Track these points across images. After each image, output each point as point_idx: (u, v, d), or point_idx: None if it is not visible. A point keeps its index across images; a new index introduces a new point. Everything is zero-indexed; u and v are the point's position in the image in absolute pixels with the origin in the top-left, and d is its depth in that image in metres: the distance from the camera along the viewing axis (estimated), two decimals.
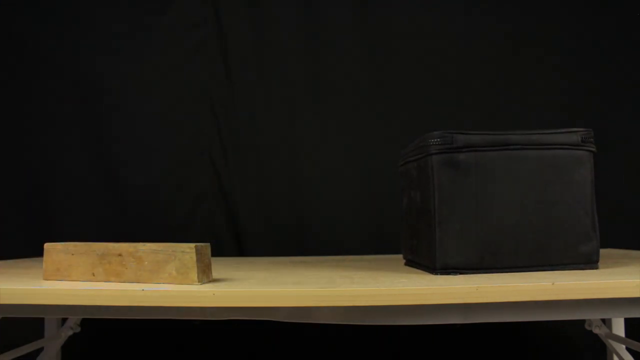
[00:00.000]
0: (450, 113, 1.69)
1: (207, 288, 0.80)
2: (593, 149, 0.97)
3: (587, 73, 1.68)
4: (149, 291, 0.79)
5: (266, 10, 1.71)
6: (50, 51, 1.71)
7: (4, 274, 1.02)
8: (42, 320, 1.47)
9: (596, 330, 1.38)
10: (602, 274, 0.89)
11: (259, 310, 0.85)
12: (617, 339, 1.31)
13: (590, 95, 1.68)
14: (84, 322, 1.57)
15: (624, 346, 1.32)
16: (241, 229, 1.68)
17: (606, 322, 1.41)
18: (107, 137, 1.70)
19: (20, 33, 1.72)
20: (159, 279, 0.87)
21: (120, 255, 0.90)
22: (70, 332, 1.41)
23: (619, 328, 1.38)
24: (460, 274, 0.93)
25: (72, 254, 0.93)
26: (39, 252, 1.57)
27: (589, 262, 0.95)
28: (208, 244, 0.91)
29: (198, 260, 0.86)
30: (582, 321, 1.45)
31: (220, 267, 1.18)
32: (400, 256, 1.43)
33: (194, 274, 0.85)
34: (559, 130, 0.96)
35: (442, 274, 0.93)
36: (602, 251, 1.44)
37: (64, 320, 1.51)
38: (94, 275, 0.91)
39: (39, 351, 1.38)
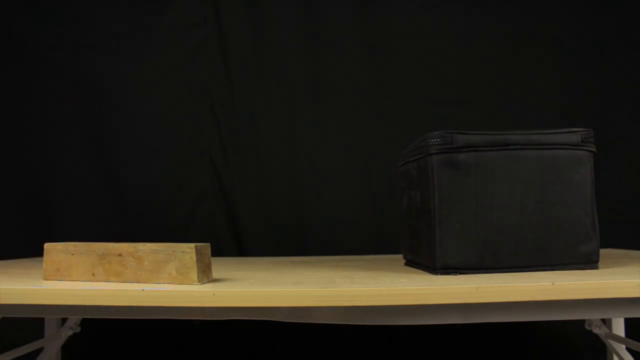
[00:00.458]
0: (450, 113, 1.69)
1: (207, 288, 0.80)
2: (593, 149, 0.97)
3: (587, 73, 1.68)
4: (149, 291, 0.79)
5: (266, 10, 1.71)
6: (50, 51, 1.71)
7: (4, 274, 1.02)
8: (42, 320, 1.47)
9: (596, 330, 1.38)
10: (602, 274, 0.89)
11: (259, 310, 0.85)
12: (617, 339, 1.31)
13: (590, 95, 1.68)
14: (84, 322, 1.57)
15: (624, 346, 1.32)
16: (241, 229, 1.68)
17: (606, 322, 1.41)
18: (107, 137, 1.70)
19: (20, 33, 1.72)
20: (159, 279, 0.87)
21: (120, 255, 0.90)
22: (70, 332, 1.41)
23: (619, 328, 1.38)
24: (460, 274, 0.93)
25: (72, 254, 0.93)
26: (39, 252, 1.57)
27: (589, 262, 0.95)
28: (208, 244, 0.91)
29: (198, 260, 0.86)
30: (582, 321, 1.45)
31: (220, 267, 1.18)
32: (400, 256, 1.43)
33: (194, 274, 0.85)
34: (559, 131, 0.96)
35: (442, 274, 0.93)
36: (602, 251, 1.44)
37: (64, 320, 1.51)
38: (94, 275, 0.91)
39: (39, 351, 1.38)
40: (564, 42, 1.69)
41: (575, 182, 0.95)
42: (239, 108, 1.71)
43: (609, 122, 1.66)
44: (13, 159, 1.70)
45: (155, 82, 1.71)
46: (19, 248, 1.64)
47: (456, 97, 1.70)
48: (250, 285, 0.82)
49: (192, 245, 0.86)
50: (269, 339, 1.67)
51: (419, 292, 0.78)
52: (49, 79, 1.71)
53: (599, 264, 1.02)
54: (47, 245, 0.94)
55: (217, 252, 1.66)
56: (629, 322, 1.52)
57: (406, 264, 1.18)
